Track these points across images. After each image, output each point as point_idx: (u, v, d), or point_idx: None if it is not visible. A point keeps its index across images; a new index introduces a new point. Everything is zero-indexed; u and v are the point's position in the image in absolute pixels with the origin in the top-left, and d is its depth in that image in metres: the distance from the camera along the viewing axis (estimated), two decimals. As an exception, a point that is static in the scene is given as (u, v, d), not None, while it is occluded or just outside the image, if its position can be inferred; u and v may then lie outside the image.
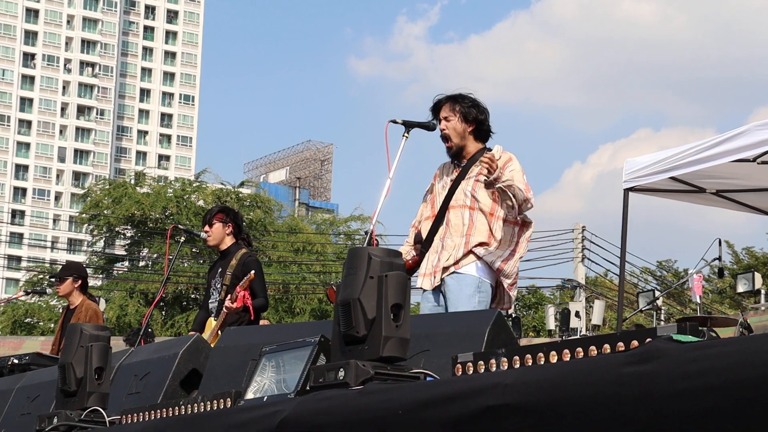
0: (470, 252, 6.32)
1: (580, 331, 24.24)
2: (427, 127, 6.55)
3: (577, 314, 23.92)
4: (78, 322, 8.27)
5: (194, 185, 46.16)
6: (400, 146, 6.42)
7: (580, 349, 3.39)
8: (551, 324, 28.14)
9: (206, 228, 8.28)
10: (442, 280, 6.36)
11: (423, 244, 6.51)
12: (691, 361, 2.75)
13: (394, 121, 6.44)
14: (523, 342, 24.27)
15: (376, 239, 6.61)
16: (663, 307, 29.59)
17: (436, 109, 6.58)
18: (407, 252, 6.59)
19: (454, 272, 6.33)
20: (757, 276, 14.85)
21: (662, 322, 27.33)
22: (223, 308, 7.87)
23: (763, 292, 16.00)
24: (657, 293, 17.75)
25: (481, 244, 6.31)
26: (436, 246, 6.44)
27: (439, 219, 6.50)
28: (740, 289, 14.97)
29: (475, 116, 6.53)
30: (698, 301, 15.12)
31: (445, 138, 6.54)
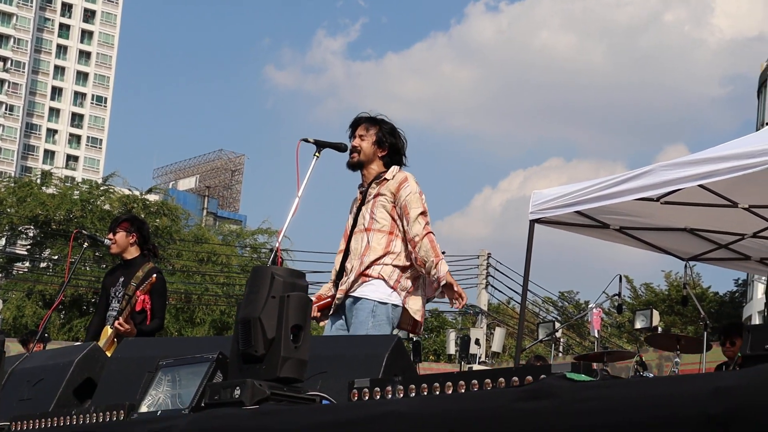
0: (363, 273, 6.34)
1: (480, 358, 24.43)
2: (339, 148, 6.57)
3: (477, 342, 24.09)
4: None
5: (101, 189, 45.66)
6: (311, 165, 6.44)
7: (475, 382, 3.42)
8: (452, 349, 28.32)
9: (110, 235, 8.22)
10: (342, 301, 6.38)
11: (335, 279, 6.55)
12: (582, 401, 2.80)
13: (306, 140, 6.45)
14: (423, 366, 24.36)
15: (281, 256, 6.60)
16: (562, 339, 29.94)
17: (354, 125, 6.62)
18: (329, 289, 6.60)
19: (350, 295, 6.35)
20: (655, 313, 15.10)
21: (561, 354, 27.66)
22: (115, 325, 7.81)
23: (660, 328, 16.25)
24: (557, 325, 17.94)
25: (375, 262, 6.33)
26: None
27: (347, 249, 6.54)
28: (638, 325, 15.20)
29: (391, 143, 6.57)
30: (596, 335, 15.34)
31: (353, 150, 6.57)
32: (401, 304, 6.34)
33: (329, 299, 6.50)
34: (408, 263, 6.37)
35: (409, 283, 6.36)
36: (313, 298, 6.51)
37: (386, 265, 6.32)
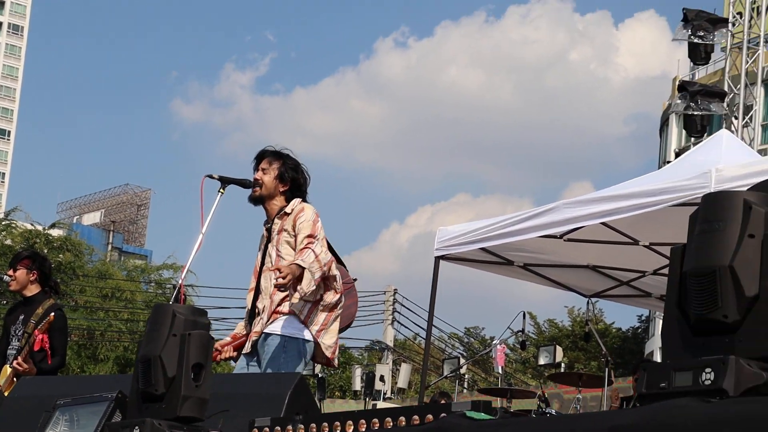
0: (274, 312, 6.32)
1: (385, 395, 24.43)
2: (243, 184, 6.54)
3: (382, 378, 24.09)
4: None
5: (3, 224, 44.92)
6: (215, 202, 6.42)
7: (376, 421, 3.42)
8: (358, 385, 28.27)
9: (10, 272, 8.08)
10: (254, 342, 6.34)
11: (248, 318, 6.51)
12: (481, 439, 2.81)
13: (211, 176, 6.44)
14: (328, 403, 24.30)
15: (185, 293, 6.54)
16: (467, 375, 30.07)
17: (259, 158, 6.59)
18: (243, 327, 6.55)
19: (263, 332, 6.32)
20: (558, 349, 15.22)
21: (465, 390, 27.76)
22: (14, 365, 7.68)
23: (563, 364, 16.41)
24: (462, 361, 18.01)
25: (285, 299, 6.31)
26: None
27: (257, 288, 6.50)
28: (542, 361, 15.30)
29: (293, 178, 6.54)
30: (500, 371, 15.40)
31: (255, 183, 6.53)
32: (313, 339, 6.31)
33: (244, 338, 6.46)
34: (318, 297, 6.34)
35: (321, 318, 6.33)
36: (228, 338, 6.47)
37: (297, 300, 6.30)
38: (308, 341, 6.30)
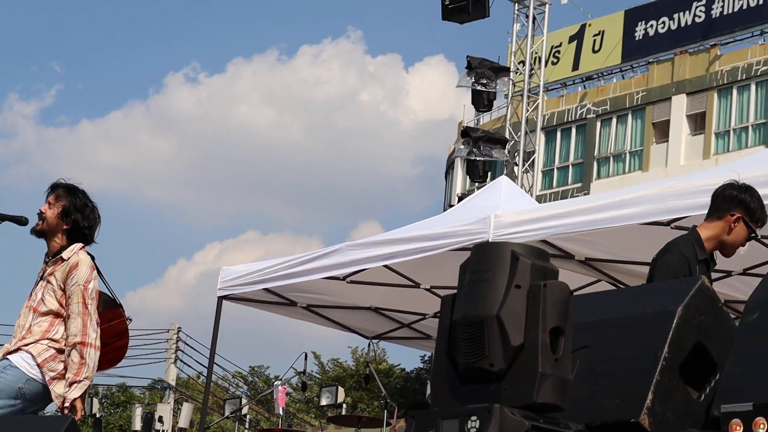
0: (20, 348, 6.10)
1: (165, 434, 24.09)
2: (18, 221, 6.34)
3: (161, 419, 23.76)
4: None
5: None
6: (-12, 238, 6.23)
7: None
8: (138, 425, 27.78)
9: None
10: None
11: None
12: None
13: (-16, 212, 6.23)
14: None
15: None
16: (249, 415, 29.86)
17: (51, 189, 6.38)
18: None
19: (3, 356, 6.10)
20: (341, 390, 15.30)
21: (246, 430, 27.57)
22: None
23: (345, 405, 16.50)
24: (243, 401, 17.89)
25: (33, 343, 6.11)
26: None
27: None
28: (324, 401, 15.35)
29: (75, 219, 6.33)
30: (281, 412, 15.38)
31: (39, 216, 6.33)
32: (40, 381, 6.09)
33: None
34: (59, 346, 6.14)
35: (60, 367, 6.13)
36: None
37: (39, 343, 6.08)
38: (31, 379, 6.08)
